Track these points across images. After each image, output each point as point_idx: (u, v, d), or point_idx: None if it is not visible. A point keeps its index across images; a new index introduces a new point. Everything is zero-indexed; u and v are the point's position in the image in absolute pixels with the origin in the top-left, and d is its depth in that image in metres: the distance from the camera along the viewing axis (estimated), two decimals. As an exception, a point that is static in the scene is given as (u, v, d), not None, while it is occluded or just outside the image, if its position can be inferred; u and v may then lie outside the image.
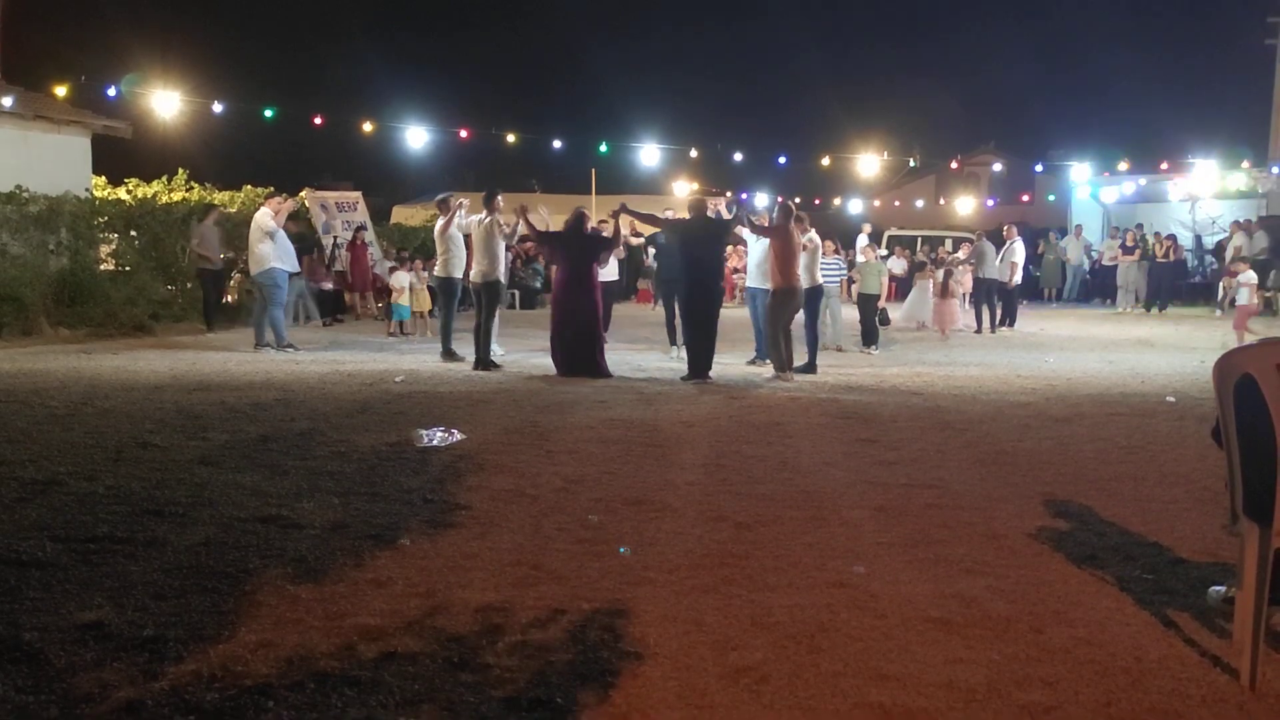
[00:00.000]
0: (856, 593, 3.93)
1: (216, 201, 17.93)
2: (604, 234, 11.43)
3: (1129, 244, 22.09)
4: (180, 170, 18.97)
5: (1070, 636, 3.52)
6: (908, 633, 3.54)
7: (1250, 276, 14.32)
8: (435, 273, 12.10)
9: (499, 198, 11.29)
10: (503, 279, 11.39)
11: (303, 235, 15.92)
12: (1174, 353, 13.17)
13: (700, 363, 10.07)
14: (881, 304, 14.10)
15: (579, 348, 10.28)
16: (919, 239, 27.11)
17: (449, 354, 11.58)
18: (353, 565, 4.17)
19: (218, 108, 18.95)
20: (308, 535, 4.58)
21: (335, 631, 3.46)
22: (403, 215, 27.42)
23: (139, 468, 5.84)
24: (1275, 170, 24.49)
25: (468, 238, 11.52)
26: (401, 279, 15.54)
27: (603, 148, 24.56)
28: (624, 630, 3.52)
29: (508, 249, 12.32)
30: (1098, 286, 24.21)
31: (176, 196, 17.49)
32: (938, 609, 3.76)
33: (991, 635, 3.52)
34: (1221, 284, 21.25)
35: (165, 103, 17.76)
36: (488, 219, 11.05)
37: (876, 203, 35.57)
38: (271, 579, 3.98)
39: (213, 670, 3.13)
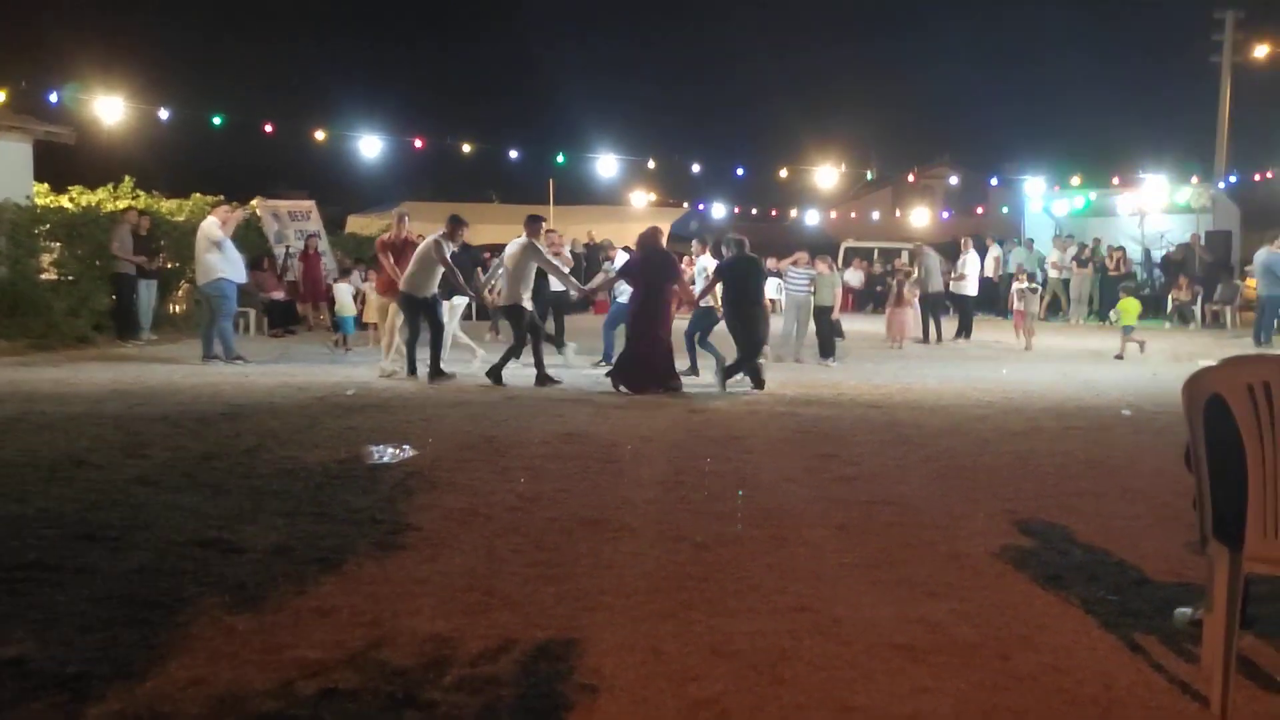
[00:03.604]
0: (819, 618, 3.81)
1: (164, 210, 17.52)
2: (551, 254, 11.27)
3: (1083, 257, 22.39)
4: (126, 178, 18.48)
5: (1037, 663, 3.43)
6: (872, 660, 3.43)
7: (1024, 286, 16.83)
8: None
9: (464, 228, 10.99)
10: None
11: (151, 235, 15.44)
12: (1126, 365, 13.29)
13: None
14: (835, 315, 14.01)
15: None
16: (875, 250, 27.29)
17: (436, 373, 10.78)
18: (295, 592, 3.98)
19: (164, 114, 18.55)
20: (249, 560, 4.38)
21: (273, 666, 3.28)
22: (358, 225, 27.03)
23: (73, 488, 5.59)
24: (1222, 185, 24.95)
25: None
26: (343, 290, 15.11)
27: (560, 158, 24.43)
28: (578, 661, 3.37)
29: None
30: (1050, 298, 24.41)
31: (122, 204, 17.03)
32: (902, 634, 3.65)
33: (957, 663, 3.42)
34: (1170, 296, 21.57)
35: (110, 108, 17.34)
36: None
37: (833, 214, 35.79)
38: (208, 608, 3.78)
39: (138, 711, 2.94)
